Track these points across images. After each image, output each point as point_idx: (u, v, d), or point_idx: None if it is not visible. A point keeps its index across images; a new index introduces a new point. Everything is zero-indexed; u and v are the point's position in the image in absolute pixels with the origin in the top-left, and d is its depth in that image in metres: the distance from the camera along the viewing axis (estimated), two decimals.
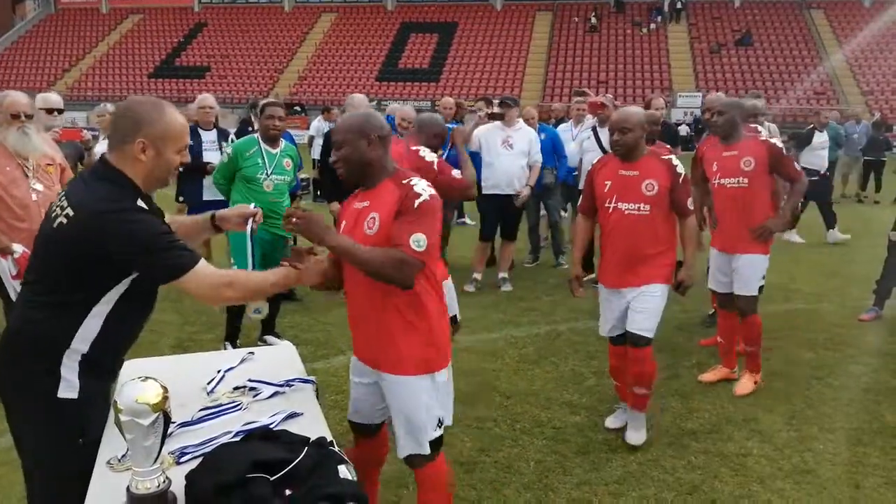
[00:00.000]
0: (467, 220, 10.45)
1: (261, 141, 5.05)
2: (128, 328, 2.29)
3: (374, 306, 2.53)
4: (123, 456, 2.02)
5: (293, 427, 2.21)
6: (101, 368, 2.22)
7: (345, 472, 1.96)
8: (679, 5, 37.97)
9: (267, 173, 5.00)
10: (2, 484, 3.41)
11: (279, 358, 2.90)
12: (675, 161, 3.75)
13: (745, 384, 4.61)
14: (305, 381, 2.60)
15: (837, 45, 34.53)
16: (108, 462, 2.05)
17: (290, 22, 42.36)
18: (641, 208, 3.68)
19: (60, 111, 5.57)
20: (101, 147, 5.94)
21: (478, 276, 7.16)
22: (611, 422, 4.08)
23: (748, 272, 4.50)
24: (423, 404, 2.54)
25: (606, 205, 3.77)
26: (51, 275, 2.12)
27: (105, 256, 2.03)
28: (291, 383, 2.58)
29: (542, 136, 7.27)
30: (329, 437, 2.13)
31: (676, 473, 3.57)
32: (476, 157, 7.15)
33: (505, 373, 4.87)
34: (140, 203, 2.11)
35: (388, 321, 2.53)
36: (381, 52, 38.95)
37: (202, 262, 2.14)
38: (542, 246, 8.44)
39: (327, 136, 7.17)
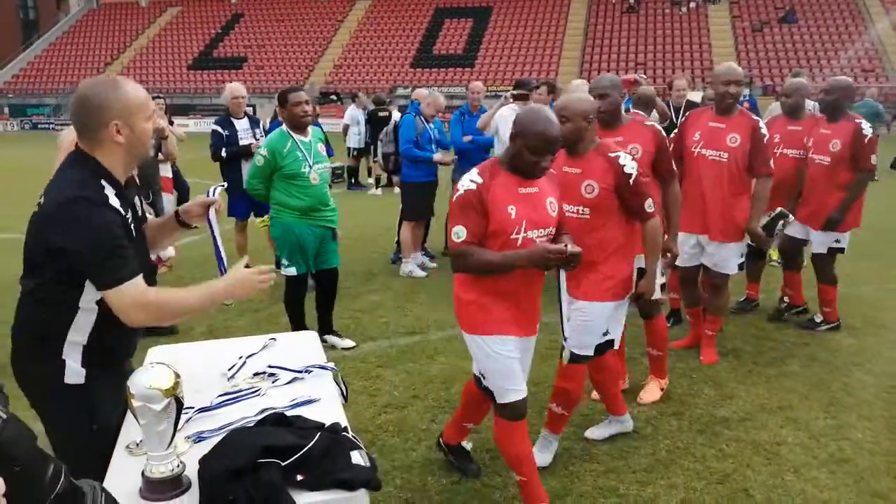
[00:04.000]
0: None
1: (291, 132, 4.72)
2: None
3: (535, 282, 2.90)
4: (142, 441, 2.04)
5: (310, 413, 2.21)
6: (108, 356, 2.21)
7: (358, 457, 1.95)
8: None
9: (309, 165, 4.69)
10: None
11: (301, 345, 2.90)
12: (625, 160, 3.16)
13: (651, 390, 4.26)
14: (324, 368, 2.59)
15: (886, 17, 33.27)
16: (127, 446, 2.08)
17: (325, 10, 42.51)
18: (581, 212, 3.22)
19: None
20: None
21: None
22: (591, 433, 3.76)
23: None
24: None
25: None
26: (34, 269, 2.10)
27: (58, 252, 1.99)
28: (310, 369, 2.57)
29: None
30: (344, 423, 2.13)
31: (707, 462, 3.49)
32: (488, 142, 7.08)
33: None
34: (107, 192, 2.05)
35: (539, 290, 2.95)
36: (416, 38, 38.84)
37: (137, 279, 2.04)
38: None
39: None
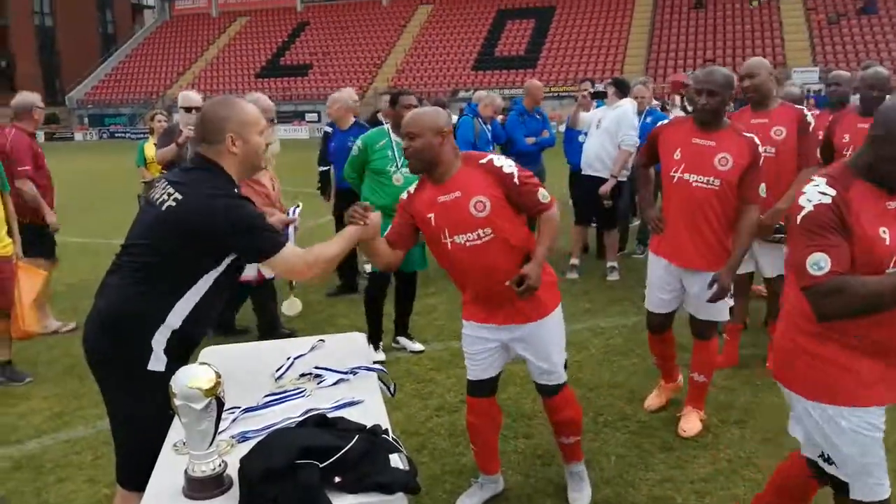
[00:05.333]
0: None
1: (391, 132, 4.80)
2: (216, 306, 2.46)
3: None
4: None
5: (353, 414, 2.20)
6: (188, 343, 2.40)
7: (397, 460, 1.93)
8: None
9: (397, 166, 4.74)
10: (102, 463, 3.63)
11: (349, 347, 2.90)
12: (503, 164, 2.80)
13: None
14: (370, 370, 2.59)
15: None
16: (174, 445, 2.11)
17: (387, 16, 43.06)
18: (482, 234, 2.79)
19: (199, 109, 5.79)
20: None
21: (575, 261, 7.09)
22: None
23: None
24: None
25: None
26: (158, 255, 2.29)
27: (212, 237, 2.25)
28: (356, 371, 2.57)
29: (649, 119, 6.94)
30: (385, 425, 2.11)
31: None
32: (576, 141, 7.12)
33: (589, 364, 4.72)
34: (237, 191, 2.36)
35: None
36: (478, 40, 38.92)
37: (289, 244, 2.40)
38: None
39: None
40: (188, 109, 5.76)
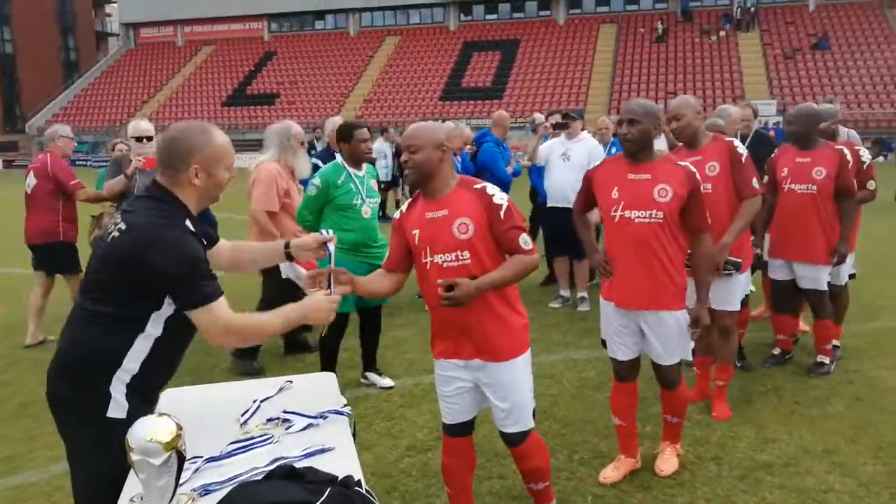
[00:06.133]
0: None
1: (347, 166, 4.68)
2: (176, 350, 2.35)
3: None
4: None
5: (323, 462, 2.09)
6: (149, 389, 2.28)
7: None
8: (751, 10, 36.83)
9: (362, 198, 4.66)
10: None
11: (317, 387, 2.79)
12: (495, 194, 2.77)
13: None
14: (339, 413, 2.48)
15: None
16: (131, 500, 1.98)
17: (355, 46, 43.31)
18: (460, 257, 2.76)
19: (150, 138, 5.69)
20: None
21: (564, 293, 7.15)
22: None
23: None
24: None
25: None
26: (107, 291, 2.17)
27: (143, 273, 2.09)
28: (326, 415, 2.46)
29: (613, 150, 7.01)
30: (358, 476, 2.01)
31: None
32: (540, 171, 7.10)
33: (563, 399, 4.65)
34: (188, 224, 2.21)
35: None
36: (445, 71, 39.30)
37: (223, 300, 2.20)
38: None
39: None
40: (139, 139, 5.62)
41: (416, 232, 2.83)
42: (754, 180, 4.05)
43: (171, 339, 2.24)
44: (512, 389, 2.85)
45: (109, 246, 2.17)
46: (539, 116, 9.10)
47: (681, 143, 4.21)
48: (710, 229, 3.39)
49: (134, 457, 1.69)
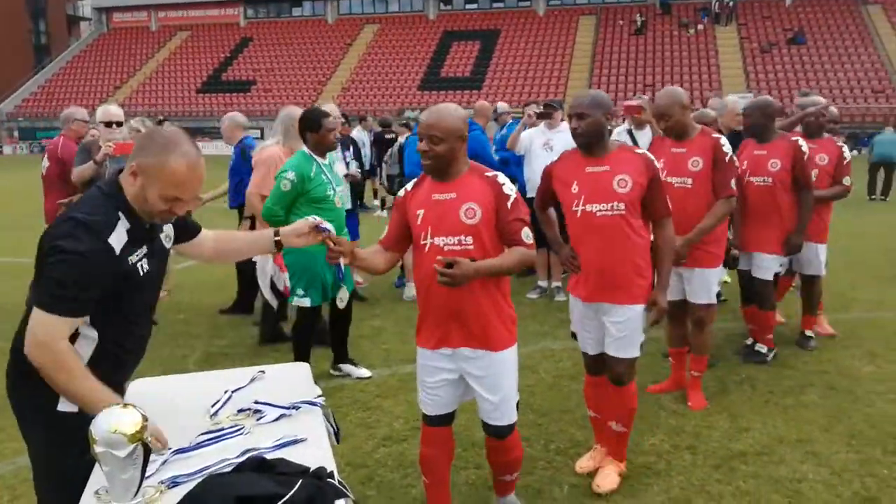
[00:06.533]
0: None
1: (314, 155, 4.56)
2: (124, 347, 2.22)
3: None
4: None
5: (296, 454, 2.04)
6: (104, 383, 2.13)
7: None
8: (730, 4, 37.07)
9: (333, 188, 4.57)
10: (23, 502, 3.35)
11: (291, 377, 2.73)
12: (506, 184, 2.77)
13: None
14: (313, 404, 2.42)
15: (895, 38, 33.24)
16: (97, 492, 1.91)
17: (333, 34, 42.92)
18: (463, 241, 2.71)
19: (120, 124, 5.57)
20: None
21: (542, 283, 7.21)
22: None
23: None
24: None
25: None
26: (37, 284, 2.06)
27: (38, 260, 1.99)
28: (298, 406, 2.41)
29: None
30: (331, 467, 1.96)
31: (724, 500, 3.28)
32: (519, 161, 7.08)
33: (540, 388, 4.64)
34: (119, 225, 2.04)
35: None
36: (424, 61, 39.11)
37: (67, 320, 1.96)
38: None
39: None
40: (108, 124, 5.49)
41: (421, 212, 2.78)
42: (733, 182, 4.04)
43: (110, 340, 2.12)
44: (502, 381, 2.81)
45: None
46: (502, 105, 9.20)
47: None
48: (671, 214, 3.30)
49: (97, 449, 1.63)
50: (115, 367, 2.20)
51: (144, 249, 2.14)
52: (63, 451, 2.06)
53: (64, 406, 2.06)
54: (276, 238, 2.57)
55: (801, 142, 4.81)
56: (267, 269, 5.10)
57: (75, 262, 1.93)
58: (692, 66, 34.80)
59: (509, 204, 2.70)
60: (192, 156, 2.06)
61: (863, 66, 32.36)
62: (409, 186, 2.92)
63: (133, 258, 2.08)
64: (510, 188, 2.75)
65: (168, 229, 2.34)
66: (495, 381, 2.81)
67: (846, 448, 3.75)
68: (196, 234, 2.49)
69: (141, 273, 2.12)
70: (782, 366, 4.95)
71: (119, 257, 2.03)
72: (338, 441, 2.39)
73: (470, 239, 2.69)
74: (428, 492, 3.05)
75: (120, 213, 2.05)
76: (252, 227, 6.06)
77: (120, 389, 2.29)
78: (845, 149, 5.34)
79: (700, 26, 37.15)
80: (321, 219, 2.62)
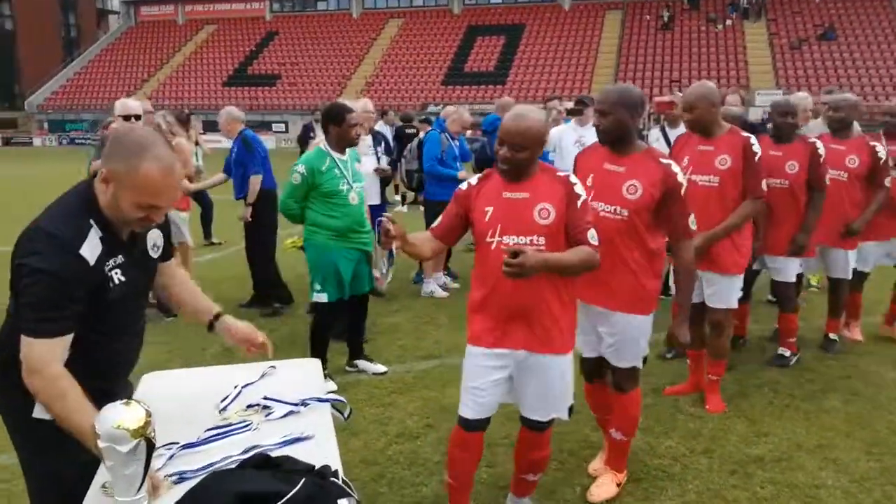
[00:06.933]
0: None
1: (330, 150, 4.56)
2: (102, 355, 2.10)
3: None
4: None
5: (302, 451, 2.03)
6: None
7: None
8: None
9: (348, 183, 4.54)
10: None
11: (302, 374, 2.73)
12: (577, 184, 2.75)
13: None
14: (323, 401, 2.42)
15: None
16: (104, 485, 1.92)
17: (358, 28, 42.97)
18: (535, 241, 2.66)
19: (138, 117, 5.61)
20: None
21: None
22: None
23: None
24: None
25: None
26: (12, 289, 1.98)
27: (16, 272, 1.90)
28: (308, 402, 2.40)
29: None
30: (336, 465, 1.95)
31: None
32: (545, 158, 7.02)
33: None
34: (92, 233, 1.93)
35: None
36: (448, 55, 39.01)
37: (58, 340, 1.89)
38: None
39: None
40: (126, 118, 5.53)
41: (490, 209, 2.71)
42: (764, 182, 3.98)
43: (87, 343, 1.98)
44: (555, 384, 2.78)
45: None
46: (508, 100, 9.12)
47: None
48: (690, 237, 3.13)
49: (101, 444, 1.63)
50: (93, 378, 2.01)
51: (121, 258, 2.02)
52: (39, 457, 2.02)
53: (38, 413, 1.98)
54: (214, 320, 2.47)
55: (752, 137, 4.23)
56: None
57: (49, 283, 1.85)
58: (720, 62, 34.31)
59: (579, 203, 2.68)
60: (165, 160, 1.92)
61: None
62: (473, 181, 2.84)
63: (108, 268, 1.98)
64: (581, 189, 2.72)
65: (157, 237, 2.21)
66: (553, 382, 2.78)
67: (867, 456, 3.67)
68: (166, 258, 2.37)
69: (112, 284, 1.99)
70: (805, 370, 4.86)
71: (94, 268, 1.93)
72: (346, 419, 2.42)
73: (542, 239, 2.66)
74: (451, 494, 3.00)
75: (92, 221, 1.94)
76: (253, 216, 6.19)
77: (107, 395, 2.04)
78: (879, 148, 5.02)
79: (728, 21, 36.60)
80: (265, 341, 2.50)
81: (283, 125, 36.39)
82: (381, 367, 4.91)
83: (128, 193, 1.92)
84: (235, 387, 2.52)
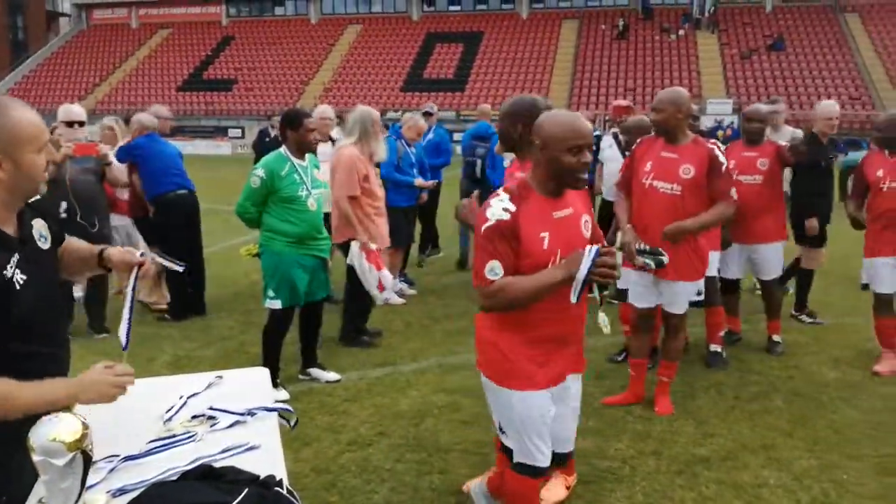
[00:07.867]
0: None
1: (290, 155, 4.53)
2: (30, 367, 1.90)
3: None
4: None
5: (247, 461, 2.02)
6: None
7: None
8: (711, 11, 37.36)
9: (307, 189, 4.52)
10: None
11: (250, 383, 2.70)
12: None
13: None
14: (270, 410, 2.40)
15: (873, 48, 33.71)
16: (40, 500, 1.88)
17: (316, 34, 42.70)
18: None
19: (82, 124, 5.49)
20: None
21: None
22: None
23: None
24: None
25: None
26: None
27: None
28: (254, 412, 2.38)
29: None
30: (281, 475, 1.94)
31: None
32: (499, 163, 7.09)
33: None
34: None
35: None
36: (407, 62, 39.02)
37: None
38: None
39: None
40: (69, 124, 5.42)
41: (546, 235, 2.48)
42: (733, 191, 4.16)
43: (9, 365, 1.81)
44: (578, 404, 2.91)
45: None
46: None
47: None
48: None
49: (35, 457, 1.60)
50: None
51: (17, 257, 1.86)
52: None
53: None
54: (100, 258, 2.27)
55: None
56: (364, 267, 5.21)
57: None
58: (673, 71, 35.02)
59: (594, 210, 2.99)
60: (16, 103, 1.87)
61: (840, 74, 32.75)
62: (507, 206, 2.47)
63: (7, 271, 1.82)
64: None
65: (40, 227, 2.05)
66: (576, 404, 2.88)
67: (808, 454, 3.79)
68: (60, 242, 2.21)
69: (18, 286, 1.83)
70: (749, 371, 5.00)
71: None
72: (292, 428, 2.43)
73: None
74: None
75: None
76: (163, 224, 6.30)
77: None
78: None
79: (681, 32, 37.41)
80: (143, 258, 2.29)
81: (239, 130, 35.90)
82: (334, 375, 4.89)
83: (25, 147, 1.83)
84: (181, 397, 2.49)
